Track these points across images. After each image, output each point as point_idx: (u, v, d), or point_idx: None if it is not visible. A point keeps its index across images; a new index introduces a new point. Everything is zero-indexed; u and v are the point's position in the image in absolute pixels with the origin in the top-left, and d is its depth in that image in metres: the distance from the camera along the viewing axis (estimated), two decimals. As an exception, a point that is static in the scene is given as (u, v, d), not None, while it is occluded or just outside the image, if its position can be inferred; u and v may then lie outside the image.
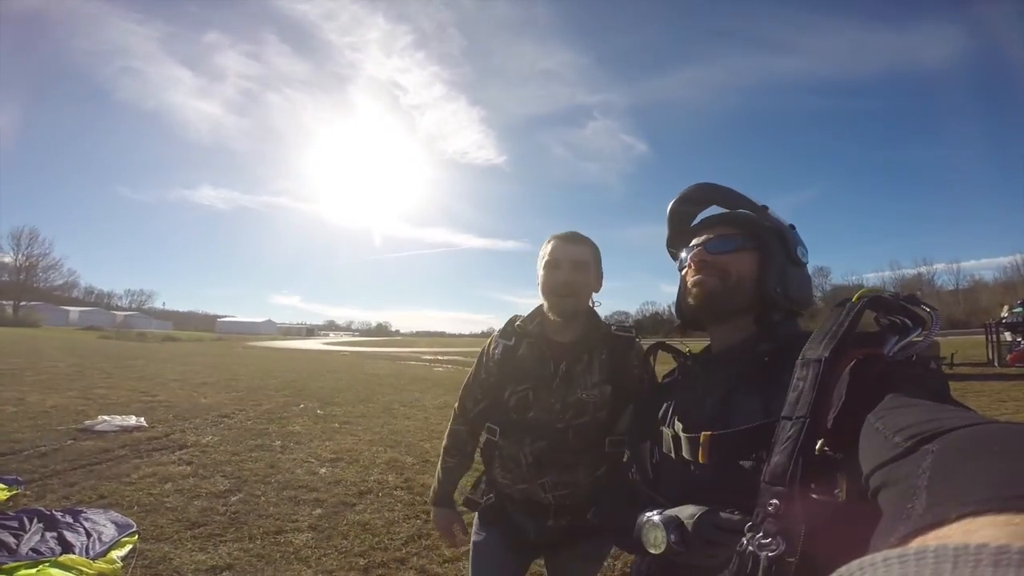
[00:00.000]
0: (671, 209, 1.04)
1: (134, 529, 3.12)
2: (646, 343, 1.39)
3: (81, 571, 2.57)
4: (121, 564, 2.72)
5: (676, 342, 1.09)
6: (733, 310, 0.93)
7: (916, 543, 0.26)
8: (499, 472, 1.49)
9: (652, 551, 0.82)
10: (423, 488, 4.23)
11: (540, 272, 1.45)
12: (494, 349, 1.52)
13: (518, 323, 1.52)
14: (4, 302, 58.91)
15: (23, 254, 70.48)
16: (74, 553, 2.73)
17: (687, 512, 0.80)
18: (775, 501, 0.64)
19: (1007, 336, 13.74)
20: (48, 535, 2.89)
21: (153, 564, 2.77)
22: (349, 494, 4.05)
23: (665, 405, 1.00)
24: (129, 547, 2.90)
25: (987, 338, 14.33)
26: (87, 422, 5.79)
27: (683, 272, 1.01)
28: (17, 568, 2.52)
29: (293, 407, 8.00)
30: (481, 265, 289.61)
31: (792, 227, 0.98)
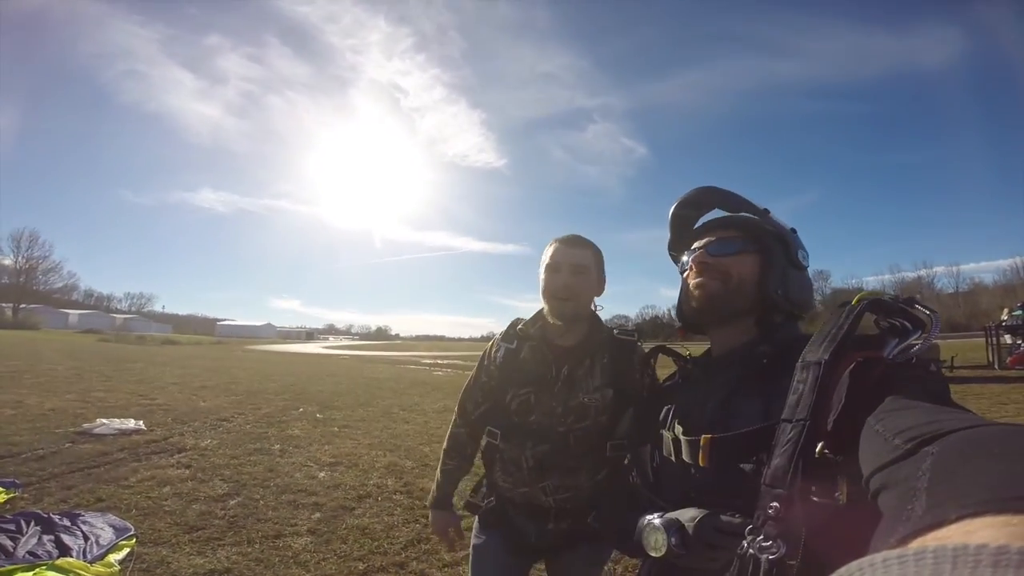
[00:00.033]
0: (673, 213, 1.04)
1: (132, 532, 3.11)
2: (646, 347, 1.39)
3: (78, 574, 2.56)
4: (119, 567, 2.71)
5: (677, 345, 1.09)
6: (734, 313, 0.93)
7: (915, 544, 0.26)
8: (500, 475, 1.49)
9: (653, 554, 0.82)
10: (423, 492, 4.22)
11: (541, 275, 1.45)
12: (496, 352, 1.52)
13: (520, 326, 1.52)
14: (3, 305, 58.89)
15: (23, 256, 70.61)
16: (71, 556, 2.72)
17: (688, 515, 0.80)
18: (775, 504, 0.64)
19: (1007, 339, 13.75)
20: (45, 538, 2.88)
21: (151, 567, 2.76)
22: (348, 498, 4.05)
23: (666, 408, 1.00)
24: (127, 550, 2.89)
25: (987, 341, 14.35)
26: (85, 425, 5.78)
27: (684, 275, 1.01)
28: (14, 571, 2.51)
29: (292, 411, 7.99)
30: (481, 269, 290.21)
31: (793, 231, 0.98)
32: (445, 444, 1.65)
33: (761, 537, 0.64)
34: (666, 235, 1.10)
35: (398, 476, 4.69)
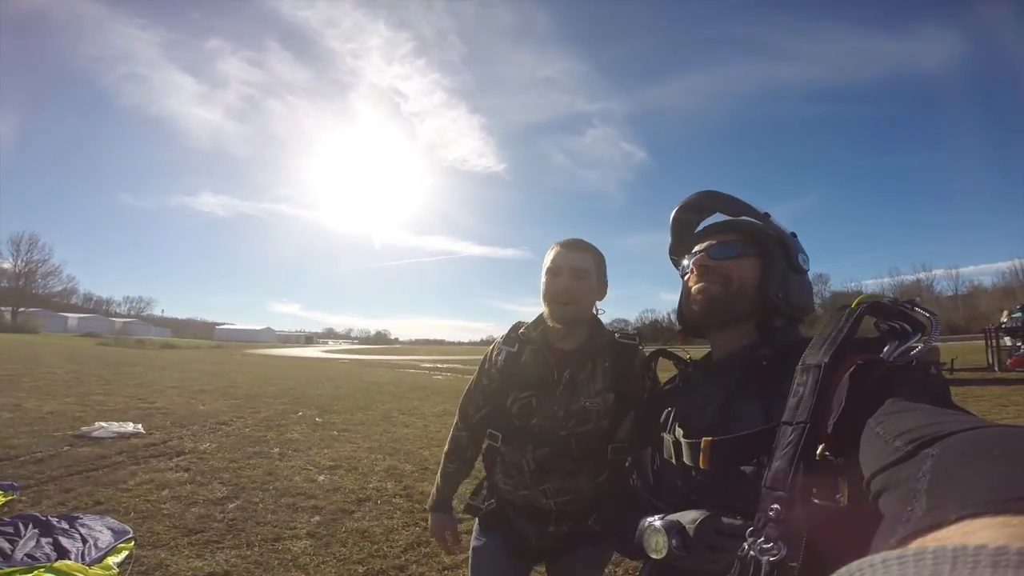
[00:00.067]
0: (674, 217, 1.05)
1: (131, 535, 3.10)
2: (647, 351, 1.39)
3: (77, 578, 2.55)
4: (117, 570, 2.70)
5: (677, 349, 1.09)
6: (735, 316, 0.93)
7: (915, 545, 0.26)
8: (501, 478, 1.48)
9: (654, 556, 0.82)
10: (422, 496, 4.21)
11: (542, 279, 1.46)
12: (497, 355, 1.52)
13: (522, 330, 1.52)
14: (2, 308, 58.90)
15: (22, 260, 70.37)
16: (70, 559, 2.71)
17: (689, 517, 0.80)
18: (776, 506, 0.64)
19: (1007, 341, 13.76)
20: (44, 541, 2.87)
21: (150, 570, 2.76)
22: (348, 501, 4.04)
23: (666, 411, 1.00)
24: (125, 553, 2.88)
25: (987, 343, 14.36)
26: (84, 428, 5.77)
27: (685, 278, 1.01)
28: (12, 573, 2.50)
29: (291, 415, 7.98)
30: (480, 273, 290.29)
31: (794, 235, 0.99)
32: (446, 447, 1.65)
33: (762, 539, 0.64)
34: (666, 239, 1.10)
35: (398, 480, 4.69)
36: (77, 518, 3.21)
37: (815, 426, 0.65)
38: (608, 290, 1.51)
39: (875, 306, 0.74)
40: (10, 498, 3.60)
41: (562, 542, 1.46)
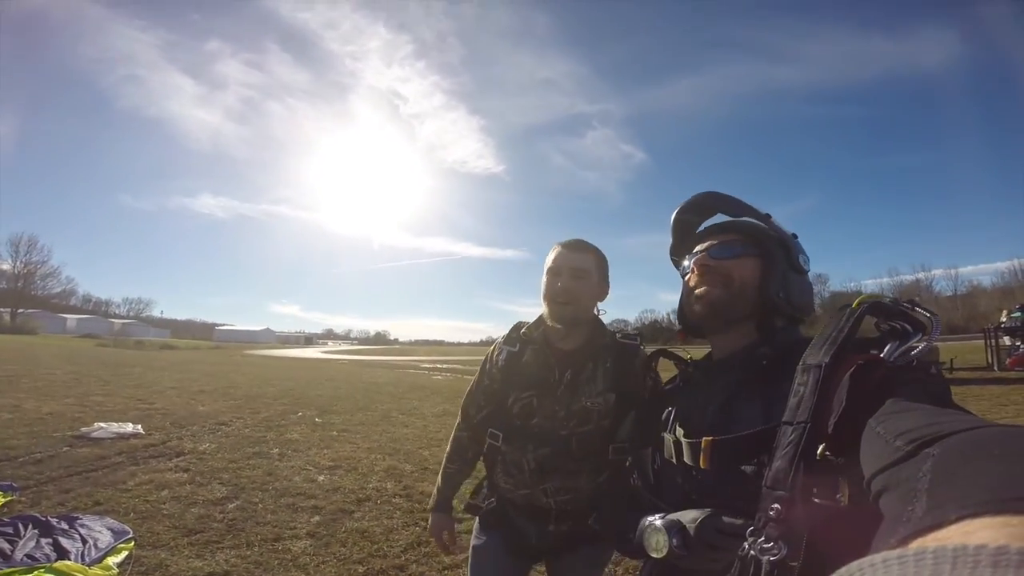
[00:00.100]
0: (675, 218, 1.05)
1: (130, 536, 3.10)
2: (648, 351, 1.39)
3: (77, 579, 2.55)
4: (117, 571, 2.70)
5: (678, 349, 1.09)
6: (737, 317, 0.93)
7: (915, 544, 0.26)
8: (501, 477, 1.48)
9: (654, 555, 0.82)
10: (422, 496, 4.21)
11: (543, 278, 1.46)
12: (498, 355, 1.52)
13: (523, 330, 1.52)
14: (1, 309, 58.77)
15: (21, 261, 70.27)
16: (69, 559, 2.70)
17: (689, 516, 0.80)
18: (777, 506, 0.64)
19: (1006, 340, 13.77)
20: (43, 541, 2.87)
21: (149, 571, 2.75)
22: (347, 501, 4.04)
23: (667, 411, 1.00)
24: (125, 554, 2.88)
25: (986, 343, 14.38)
26: (83, 429, 5.76)
27: (686, 278, 1.01)
28: (12, 574, 2.50)
29: (291, 415, 7.97)
30: (480, 274, 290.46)
31: (794, 236, 0.99)
32: (447, 448, 1.65)
33: (762, 538, 0.64)
34: (665, 240, 1.10)
35: (397, 479, 4.68)
36: (77, 518, 3.20)
37: (816, 426, 0.65)
38: (609, 291, 1.51)
39: (876, 306, 0.74)
40: (9, 499, 3.60)
41: (562, 541, 1.46)
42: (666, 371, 1.16)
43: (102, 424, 5.95)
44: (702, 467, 0.83)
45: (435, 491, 1.65)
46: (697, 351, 1.06)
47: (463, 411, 1.61)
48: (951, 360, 12.86)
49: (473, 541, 1.57)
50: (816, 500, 0.63)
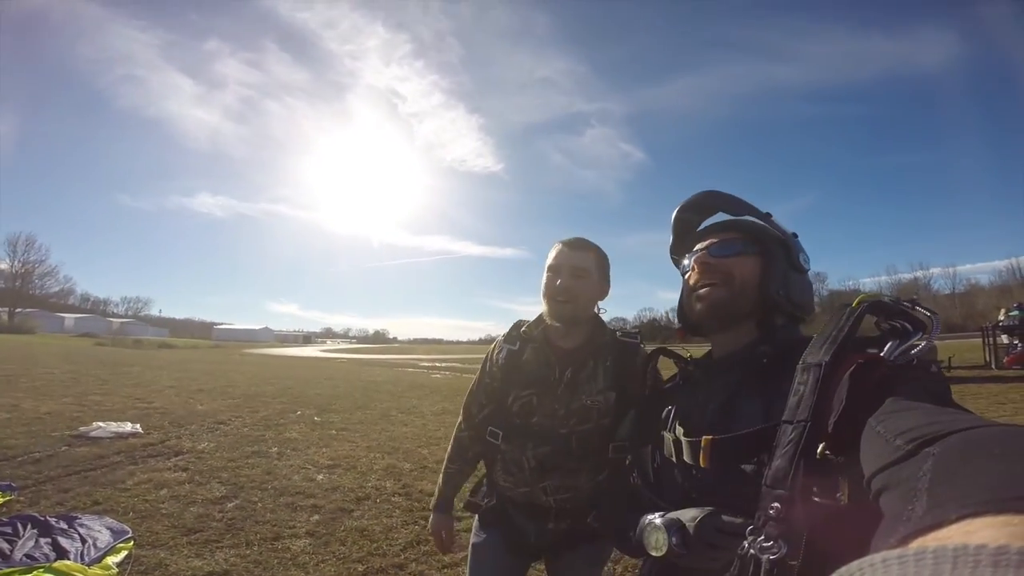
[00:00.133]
0: (675, 217, 1.04)
1: (130, 535, 3.10)
2: (648, 349, 1.39)
3: (76, 578, 2.54)
4: (117, 570, 2.70)
5: (677, 347, 1.09)
6: (738, 316, 0.93)
7: (916, 544, 0.26)
8: (501, 475, 1.49)
9: (654, 553, 0.82)
10: (421, 494, 4.21)
11: (543, 276, 1.46)
12: (498, 354, 1.52)
13: (523, 328, 1.52)
14: (-1, 308, 58.67)
15: (19, 261, 70.25)
16: (69, 559, 2.70)
17: (689, 515, 0.80)
18: (777, 504, 0.64)
19: (1004, 339, 13.80)
20: (42, 541, 2.87)
21: (149, 570, 2.75)
22: (347, 500, 4.04)
23: (667, 410, 1.00)
24: (124, 553, 2.88)
25: (984, 341, 14.41)
26: (82, 428, 5.75)
27: (686, 276, 1.01)
28: (11, 574, 2.50)
29: (290, 414, 7.97)
30: (479, 272, 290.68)
31: (795, 235, 0.99)
32: (448, 448, 1.65)
33: (762, 537, 0.64)
34: (664, 238, 1.10)
35: (396, 478, 4.68)
36: (76, 518, 3.20)
37: (816, 425, 0.65)
38: (610, 290, 1.51)
39: (876, 305, 0.74)
40: (8, 498, 3.59)
41: (561, 539, 1.46)
42: (665, 369, 1.16)
43: (100, 423, 5.94)
44: (702, 466, 0.83)
45: (436, 490, 1.65)
46: (697, 349, 1.06)
47: (465, 410, 1.61)
48: (949, 358, 12.89)
49: (472, 539, 1.57)
50: (816, 499, 0.63)
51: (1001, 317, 14.06)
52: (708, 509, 0.78)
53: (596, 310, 1.48)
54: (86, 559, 2.75)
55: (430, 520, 1.67)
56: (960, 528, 0.27)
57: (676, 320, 1.08)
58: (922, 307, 0.72)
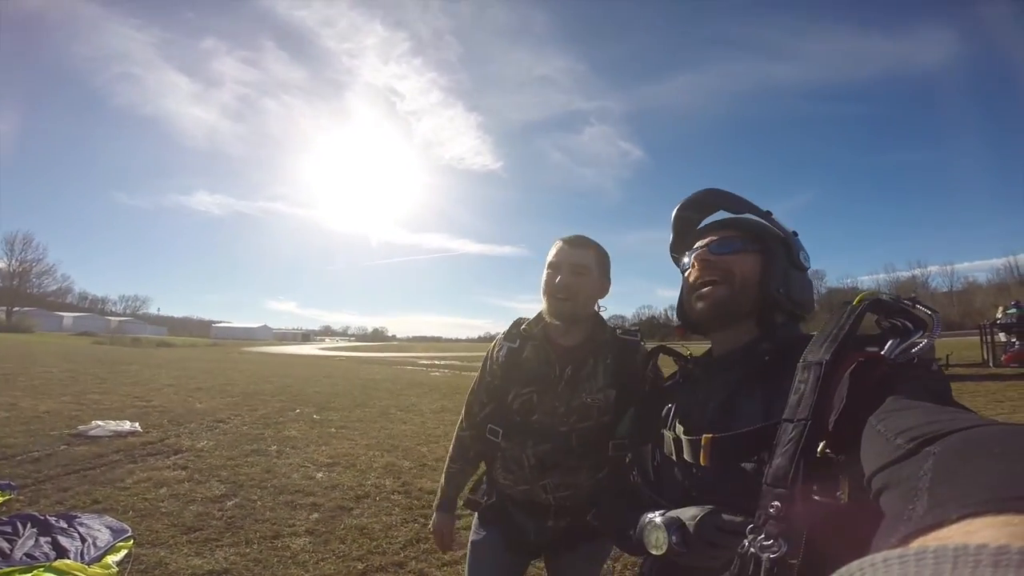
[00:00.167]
0: (676, 215, 1.04)
1: (129, 534, 3.10)
2: (648, 346, 1.39)
3: (76, 575, 2.55)
4: (116, 569, 2.70)
5: (677, 345, 1.09)
6: (738, 314, 0.93)
7: (916, 544, 0.26)
8: (501, 473, 1.49)
9: (654, 552, 0.82)
10: (420, 492, 4.22)
11: (544, 273, 1.46)
12: (498, 352, 1.52)
13: (523, 326, 1.51)
14: (-3, 307, 58.52)
15: (16, 259, 70.07)
16: (69, 558, 2.70)
17: (689, 513, 0.80)
18: (777, 503, 0.64)
19: (1001, 337, 13.86)
20: (42, 540, 2.87)
21: (149, 569, 2.75)
22: (346, 498, 4.04)
23: (667, 408, 1.00)
24: (124, 552, 2.88)
25: (982, 339, 14.45)
26: (81, 427, 5.75)
27: (686, 274, 1.01)
28: (11, 573, 2.50)
29: (289, 412, 7.97)
30: (478, 270, 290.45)
31: (795, 234, 0.99)
32: (450, 448, 1.65)
33: (762, 536, 0.64)
34: (662, 236, 1.10)
35: (396, 476, 4.69)
36: (75, 517, 3.20)
37: (816, 423, 0.65)
38: (610, 287, 1.51)
39: (877, 303, 0.74)
40: (8, 497, 3.59)
41: (561, 537, 1.46)
42: (665, 368, 1.16)
43: (99, 422, 5.94)
44: (702, 464, 0.83)
45: (439, 490, 1.65)
46: (696, 347, 1.06)
47: (467, 409, 1.61)
48: (947, 356, 12.93)
49: (472, 536, 1.57)
50: (816, 498, 0.63)
51: (999, 315, 14.12)
52: (708, 507, 0.78)
53: (596, 308, 1.48)
54: (86, 558, 2.75)
55: (432, 519, 1.67)
56: (961, 528, 0.27)
57: (675, 318, 1.08)
58: (923, 305, 0.72)
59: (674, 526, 0.80)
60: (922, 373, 0.65)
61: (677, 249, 1.08)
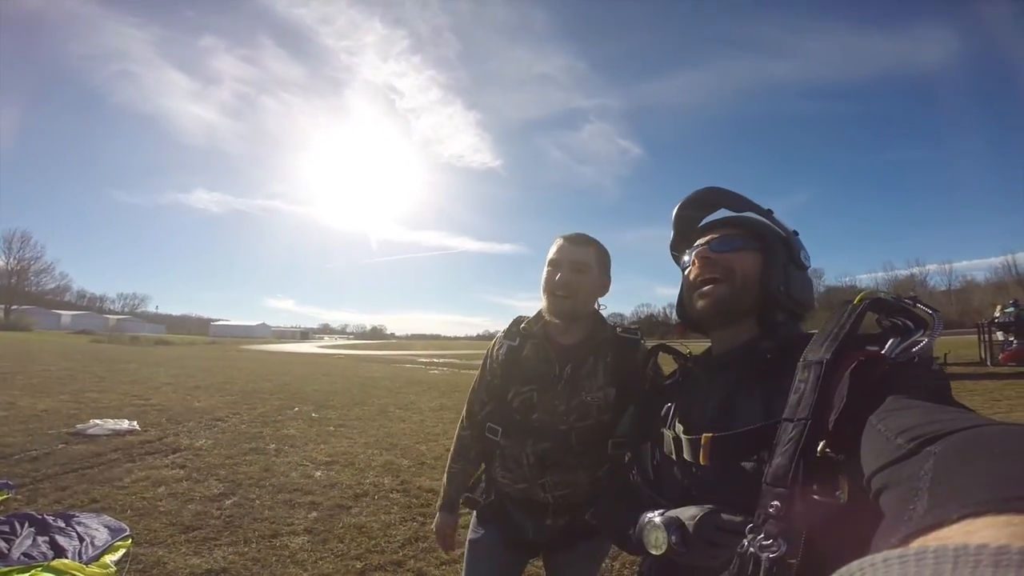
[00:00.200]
0: (677, 213, 1.04)
1: (127, 533, 3.09)
2: (647, 345, 1.39)
3: (74, 575, 2.54)
4: (115, 568, 2.70)
5: (677, 344, 1.09)
6: (739, 312, 0.93)
7: (917, 544, 0.26)
8: (500, 471, 1.49)
9: (653, 552, 0.82)
10: (419, 491, 4.22)
11: (544, 271, 1.45)
12: (498, 350, 1.52)
13: (523, 324, 1.51)
14: (-5, 305, 58.40)
15: (15, 258, 70.12)
16: (67, 558, 2.70)
17: (688, 513, 0.80)
18: (776, 502, 0.64)
19: (999, 336, 13.88)
20: (40, 539, 2.86)
21: (147, 568, 2.75)
22: (345, 497, 4.04)
23: (666, 407, 1.00)
24: (122, 551, 2.88)
25: (980, 338, 14.48)
26: (79, 426, 5.74)
27: (686, 272, 1.01)
28: (9, 573, 2.49)
29: (287, 410, 7.96)
30: (477, 268, 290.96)
31: (795, 233, 0.99)
32: (452, 448, 1.65)
33: (762, 535, 0.64)
34: (661, 234, 1.10)
35: (395, 475, 4.69)
36: (73, 516, 3.19)
37: (816, 423, 0.65)
38: (611, 286, 1.50)
39: (877, 302, 0.74)
40: (5, 497, 3.58)
41: (559, 535, 1.46)
42: (666, 366, 1.16)
43: (97, 421, 5.93)
44: (702, 463, 0.82)
45: (441, 490, 1.65)
46: (696, 345, 1.06)
47: (468, 408, 1.61)
48: (944, 355, 12.94)
49: (470, 535, 1.57)
50: (816, 497, 0.63)
51: (997, 314, 14.14)
52: (708, 507, 0.78)
53: (596, 306, 1.48)
54: (84, 557, 2.74)
55: (435, 519, 1.67)
56: (961, 528, 0.27)
57: (674, 316, 1.08)
58: (923, 304, 0.72)
59: (673, 526, 0.80)
60: (922, 372, 0.65)
61: (678, 247, 1.08)
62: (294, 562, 2.93)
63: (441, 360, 25.80)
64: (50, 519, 3.10)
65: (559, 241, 1.45)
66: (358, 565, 2.93)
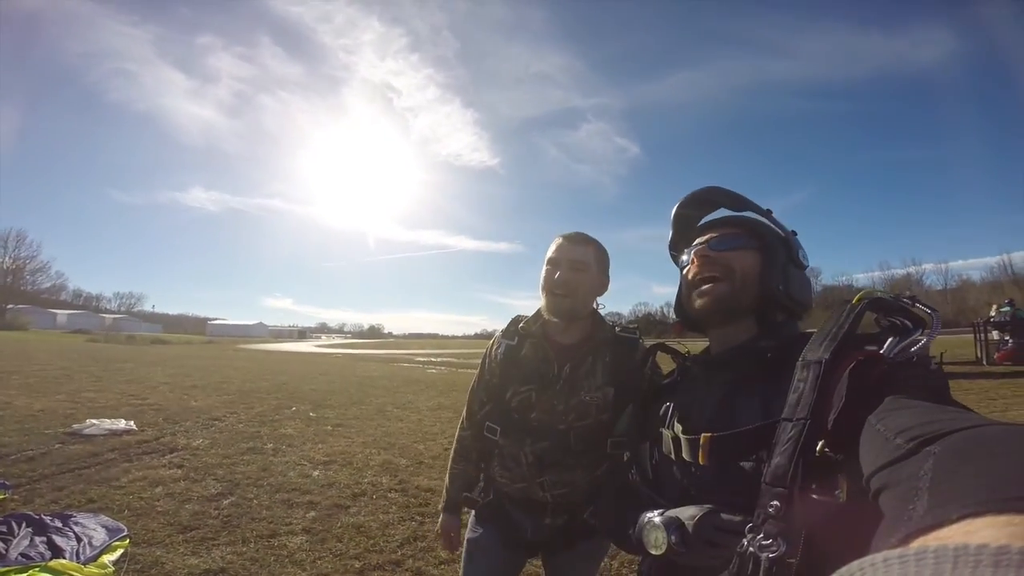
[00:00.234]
0: (676, 212, 1.04)
1: (125, 533, 3.09)
2: (646, 344, 1.39)
3: (72, 575, 2.54)
4: (112, 569, 2.69)
5: (675, 343, 1.09)
6: (738, 311, 0.93)
7: (916, 544, 0.26)
8: (498, 471, 1.49)
9: (653, 552, 0.82)
10: (417, 490, 4.22)
11: (543, 270, 1.45)
12: (496, 350, 1.52)
13: (522, 324, 1.51)
14: (-10, 304, 58.14)
15: (10, 256, 69.65)
16: (64, 558, 2.69)
17: (688, 513, 0.80)
18: (776, 502, 0.64)
19: (995, 335, 13.92)
20: (37, 540, 2.85)
21: (145, 568, 2.74)
22: (343, 496, 4.03)
23: (665, 406, 1.00)
24: (120, 551, 2.87)
25: (975, 337, 14.51)
26: (75, 426, 5.72)
27: (685, 271, 1.01)
28: (7, 573, 2.48)
29: (285, 410, 7.94)
30: (474, 267, 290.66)
31: (794, 233, 0.99)
32: (453, 448, 1.65)
33: (761, 535, 0.64)
34: (659, 233, 1.10)
35: (392, 474, 4.68)
36: (71, 516, 3.18)
37: (815, 422, 0.65)
38: (609, 285, 1.50)
39: (876, 302, 0.74)
40: (2, 497, 3.57)
41: (558, 535, 1.47)
42: (664, 365, 1.16)
43: (94, 420, 5.91)
44: (701, 463, 0.82)
45: (444, 491, 1.65)
46: (694, 344, 1.06)
47: (468, 408, 1.61)
48: (940, 354, 12.84)
49: (468, 534, 1.57)
50: (815, 497, 0.63)
51: (992, 313, 14.18)
52: (707, 507, 0.78)
53: (595, 306, 1.48)
54: (82, 558, 2.73)
55: (439, 521, 1.67)
56: (961, 528, 0.27)
57: (672, 315, 1.08)
58: (922, 304, 0.72)
59: (673, 526, 0.80)
60: (921, 372, 0.65)
61: (676, 247, 1.07)
62: (292, 562, 2.92)
63: (439, 359, 25.76)
64: (47, 519, 3.09)
65: (558, 240, 1.45)
66: (356, 565, 2.93)
